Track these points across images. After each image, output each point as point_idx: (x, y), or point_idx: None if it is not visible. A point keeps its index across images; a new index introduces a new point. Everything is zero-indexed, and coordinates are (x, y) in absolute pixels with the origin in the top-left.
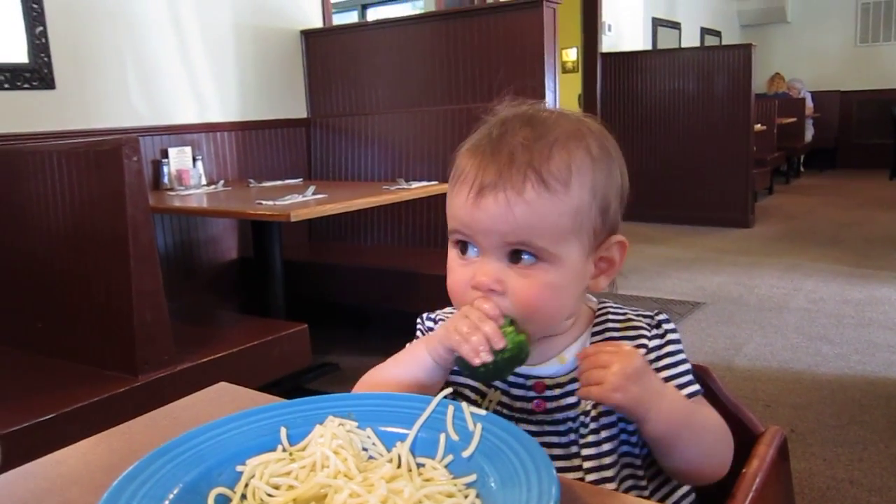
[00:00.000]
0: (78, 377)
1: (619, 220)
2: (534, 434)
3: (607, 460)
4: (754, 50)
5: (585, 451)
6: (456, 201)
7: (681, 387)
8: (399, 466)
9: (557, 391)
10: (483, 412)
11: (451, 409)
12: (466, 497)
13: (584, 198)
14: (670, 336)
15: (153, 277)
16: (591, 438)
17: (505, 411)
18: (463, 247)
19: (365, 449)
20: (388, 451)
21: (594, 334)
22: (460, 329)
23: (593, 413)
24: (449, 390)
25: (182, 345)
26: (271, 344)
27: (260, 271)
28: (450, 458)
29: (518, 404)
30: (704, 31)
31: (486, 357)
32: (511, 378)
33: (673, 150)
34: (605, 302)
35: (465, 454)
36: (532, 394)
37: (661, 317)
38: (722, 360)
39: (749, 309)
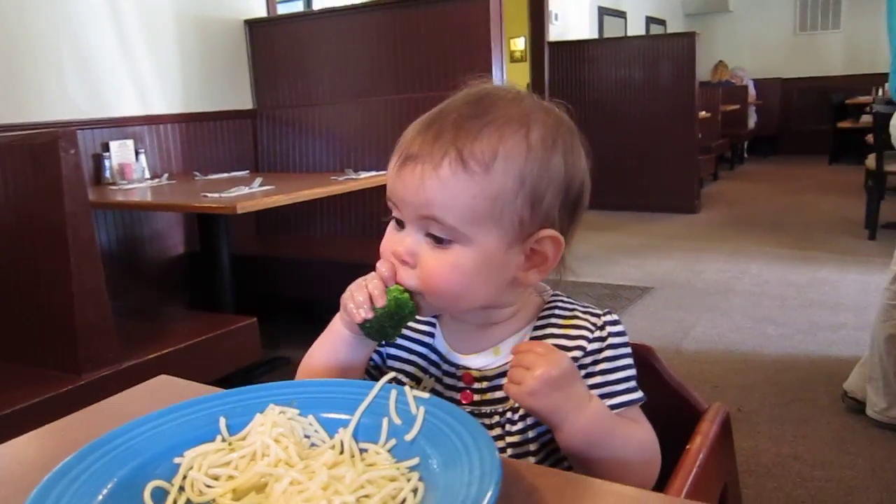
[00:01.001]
0: (18, 378)
1: (555, 215)
2: None
3: (533, 460)
4: (698, 38)
5: (511, 451)
6: (389, 169)
7: (613, 394)
8: (342, 453)
9: (485, 384)
10: (426, 395)
11: (393, 393)
12: (409, 480)
13: (506, 184)
14: (612, 340)
15: (94, 274)
16: (517, 437)
17: None
18: (398, 221)
19: (307, 436)
20: (331, 437)
21: (536, 328)
22: (351, 289)
23: (521, 411)
24: (392, 374)
25: (126, 342)
26: (219, 339)
27: (207, 266)
28: (393, 442)
29: (448, 394)
30: (650, 20)
31: (365, 314)
32: (444, 366)
33: (621, 138)
34: (558, 295)
35: (408, 438)
36: (461, 384)
37: (609, 318)
38: (671, 344)
39: (697, 293)
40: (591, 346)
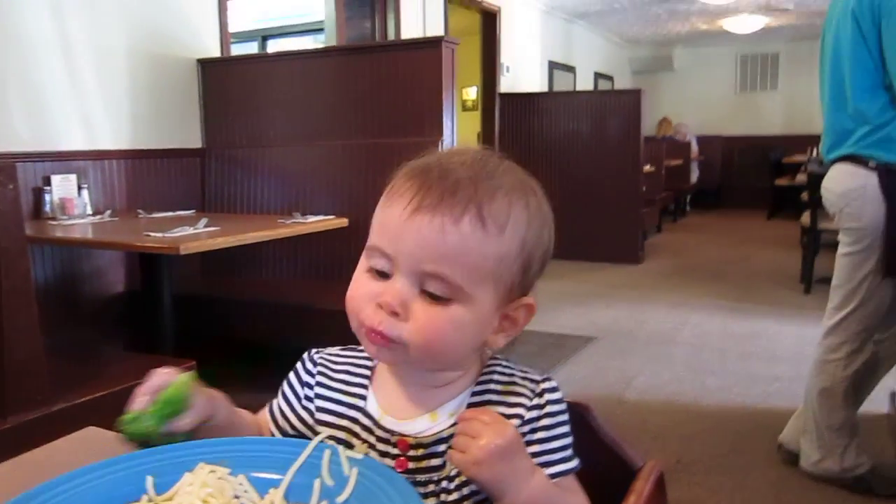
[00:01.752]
0: None
1: (534, 284)
2: None
3: None
4: (644, 95)
5: None
6: (387, 215)
7: (550, 463)
8: None
9: (420, 451)
10: (360, 456)
11: (327, 453)
12: None
13: (512, 248)
14: (550, 408)
15: (27, 312)
16: None
17: None
18: (379, 272)
19: (237, 497)
20: (261, 497)
21: (474, 394)
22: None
23: (458, 480)
24: (325, 434)
25: (58, 384)
26: None
27: (148, 305)
28: None
29: (382, 460)
30: (598, 76)
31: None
32: (378, 432)
33: (568, 188)
34: (496, 358)
35: (340, 500)
36: (395, 451)
37: (546, 385)
38: (613, 393)
39: (639, 343)
40: (528, 415)
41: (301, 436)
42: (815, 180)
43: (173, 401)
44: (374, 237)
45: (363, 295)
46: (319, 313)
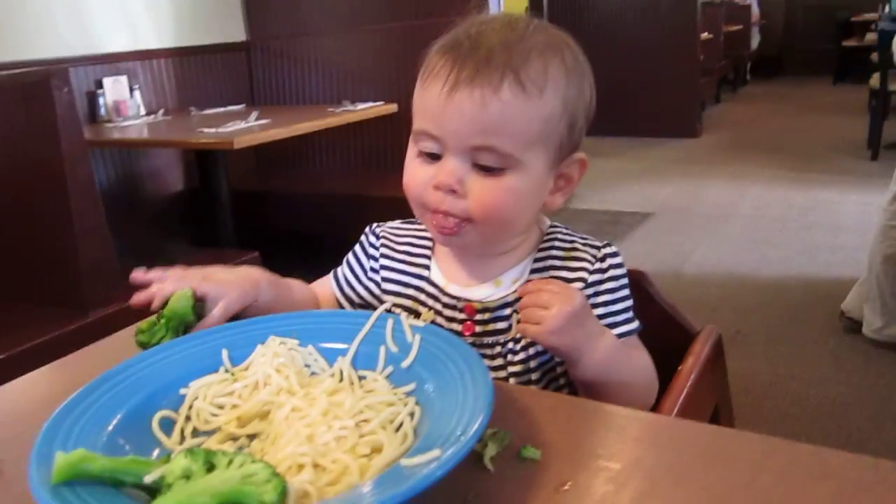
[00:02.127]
0: (24, 318)
1: (582, 137)
2: None
3: (534, 388)
4: None
5: (514, 380)
6: (426, 97)
7: (616, 324)
8: (341, 380)
9: (487, 315)
10: (422, 324)
11: (390, 322)
12: (406, 405)
13: (556, 107)
14: (613, 272)
15: (95, 214)
16: (519, 367)
17: None
18: (430, 154)
19: (307, 365)
20: (330, 366)
21: (536, 260)
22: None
23: (523, 342)
24: (389, 304)
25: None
26: None
27: (207, 202)
28: (390, 369)
29: (449, 326)
30: None
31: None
32: (444, 298)
33: (620, 62)
34: (556, 226)
35: (405, 365)
36: (462, 316)
37: (608, 249)
38: (671, 268)
39: (697, 217)
40: (591, 278)
41: (367, 305)
42: (887, 39)
43: (177, 314)
44: (418, 121)
45: (418, 180)
46: (372, 201)
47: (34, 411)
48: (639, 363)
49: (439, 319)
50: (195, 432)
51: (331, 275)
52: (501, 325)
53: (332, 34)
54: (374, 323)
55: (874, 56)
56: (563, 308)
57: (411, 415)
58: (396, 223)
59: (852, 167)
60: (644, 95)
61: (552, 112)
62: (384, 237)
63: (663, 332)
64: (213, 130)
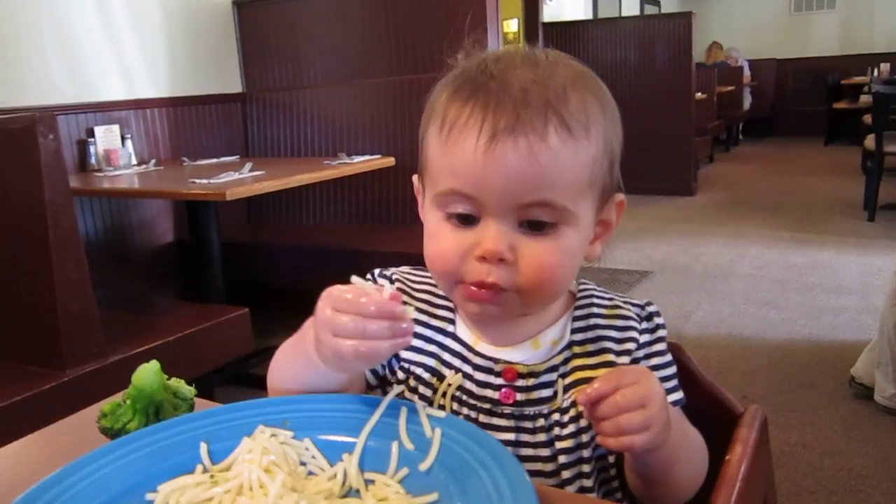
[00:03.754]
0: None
1: (620, 176)
2: (500, 430)
3: (586, 468)
4: (694, 18)
5: (563, 458)
6: (455, 154)
7: (668, 391)
8: (344, 484)
9: (531, 381)
10: (442, 414)
11: (403, 411)
12: None
13: (599, 146)
14: (661, 332)
15: (77, 264)
16: (569, 443)
17: (465, 398)
18: (463, 217)
19: (303, 464)
20: (331, 465)
21: (577, 319)
22: (337, 307)
23: (572, 412)
24: (400, 388)
25: (113, 335)
26: (210, 330)
27: (197, 254)
28: (405, 471)
29: (482, 392)
30: (644, 1)
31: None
32: (476, 360)
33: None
34: (586, 283)
35: (423, 467)
36: (500, 381)
37: (652, 308)
38: (672, 329)
39: (696, 276)
40: (642, 339)
41: (387, 366)
42: (882, 101)
43: (144, 392)
44: (447, 180)
45: (454, 249)
46: (369, 257)
47: (2, 492)
48: (695, 436)
49: (469, 384)
50: None
51: None
52: (546, 392)
53: (329, 86)
54: (384, 412)
55: (867, 118)
56: (658, 400)
57: None
58: (406, 269)
59: (850, 228)
60: (640, 153)
61: (597, 153)
62: (399, 281)
63: (700, 408)
64: (204, 181)
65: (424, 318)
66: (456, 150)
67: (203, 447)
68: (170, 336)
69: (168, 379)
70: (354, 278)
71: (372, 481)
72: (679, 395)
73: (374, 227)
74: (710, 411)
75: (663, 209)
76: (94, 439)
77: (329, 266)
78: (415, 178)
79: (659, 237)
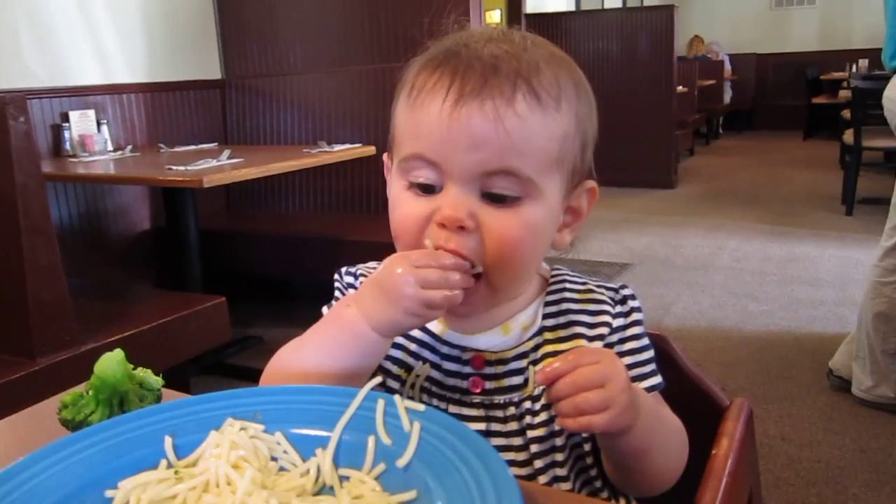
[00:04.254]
0: None
1: (591, 163)
2: (470, 420)
3: (559, 456)
4: (676, 11)
5: (535, 447)
6: (419, 116)
7: (643, 377)
8: (318, 480)
9: (501, 368)
10: (421, 407)
11: (381, 403)
12: None
13: (570, 123)
14: (636, 315)
15: (49, 251)
16: (542, 431)
17: (434, 388)
18: (425, 187)
19: (274, 459)
20: (304, 460)
21: (549, 304)
22: (419, 271)
23: (544, 399)
24: (378, 380)
25: (86, 323)
26: (186, 319)
27: (174, 242)
28: (381, 467)
29: (450, 381)
30: None
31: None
32: (443, 349)
33: (598, 112)
34: (558, 268)
35: (401, 463)
36: (468, 369)
37: (627, 291)
38: (651, 321)
39: (676, 269)
40: (616, 322)
41: None
42: (861, 96)
43: (107, 382)
44: (409, 145)
45: (413, 216)
46: (347, 245)
47: None
48: (672, 423)
49: (436, 374)
50: None
51: None
52: (516, 379)
53: (309, 74)
54: (361, 404)
55: (846, 112)
56: (618, 381)
57: None
58: (372, 264)
59: (828, 221)
60: (620, 146)
61: (567, 129)
62: (364, 276)
63: (686, 399)
64: (182, 168)
65: None
66: (421, 112)
67: (168, 441)
68: (145, 325)
69: (134, 369)
70: (428, 241)
71: (347, 477)
72: (656, 379)
73: (354, 216)
74: (695, 403)
75: (644, 201)
76: (54, 431)
77: (308, 255)
78: (385, 155)
79: (639, 229)
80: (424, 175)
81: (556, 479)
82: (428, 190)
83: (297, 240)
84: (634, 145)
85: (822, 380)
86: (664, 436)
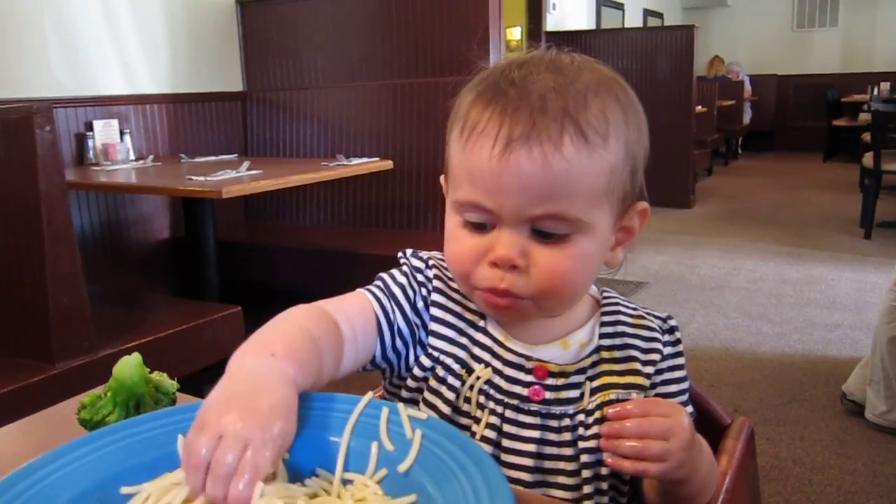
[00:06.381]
0: None
1: (643, 183)
2: (525, 427)
3: (605, 471)
4: (696, 31)
5: (585, 458)
6: (472, 160)
7: (685, 404)
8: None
9: (561, 381)
10: (423, 416)
11: (385, 411)
12: None
13: (619, 154)
14: (680, 347)
15: (70, 257)
16: (592, 443)
17: (492, 392)
18: (479, 225)
19: (284, 461)
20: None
21: (604, 324)
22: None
23: (597, 414)
24: (372, 393)
25: (104, 330)
26: (202, 328)
27: (192, 252)
28: (383, 472)
29: (511, 387)
30: (647, 13)
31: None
32: (506, 356)
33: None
34: (609, 291)
35: (402, 468)
36: (530, 378)
37: (673, 322)
38: None
39: (691, 288)
40: (665, 350)
41: (407, 344)
42: (881, 119)
43: (125, 385)
44: (464, 189)
45: (468, 253)
46: (364, 259)
47: None
48: (713, 467)
49: (497, 379)
50: None
51: (367, 295)
52: (574, 393)
53: (329, 88)
54: (364, 411)
55: (866, 136)
56: (682, 437)
57: None
58: (439, 255)
59: (846, 244)
60: None
61: (615, 162)
62: (436, 266)
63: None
64: (201, 178)
65: (458, 309)
66: (472, 157)
67: (181, 440)
68: (161, 332)
69: (151, 372)
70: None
71: (351, 481)
72: (690, 408)
73: (371, 230)
74: (698, 421)
75: (661, 220)
76: (72, 431)
77: (323, 267)
78: (442, 178)
79: (655, 248)
80: (478, 216)
81: (599, 492)
82: (481, 227)
83: (313, 252)
84: (652, 164)
85: (835, 403)
86: (712, 481)
